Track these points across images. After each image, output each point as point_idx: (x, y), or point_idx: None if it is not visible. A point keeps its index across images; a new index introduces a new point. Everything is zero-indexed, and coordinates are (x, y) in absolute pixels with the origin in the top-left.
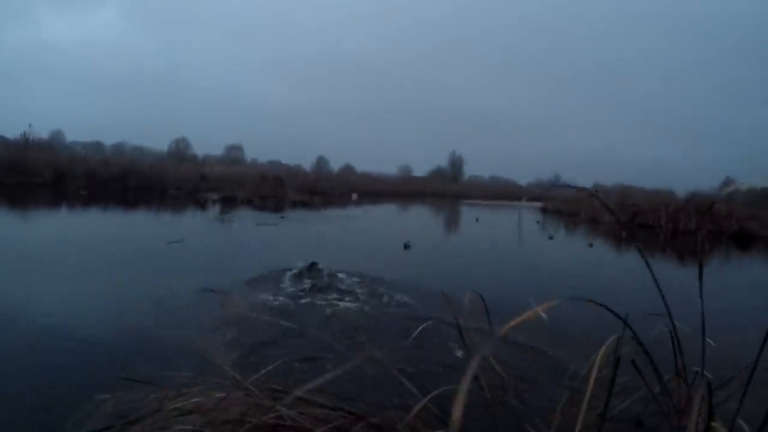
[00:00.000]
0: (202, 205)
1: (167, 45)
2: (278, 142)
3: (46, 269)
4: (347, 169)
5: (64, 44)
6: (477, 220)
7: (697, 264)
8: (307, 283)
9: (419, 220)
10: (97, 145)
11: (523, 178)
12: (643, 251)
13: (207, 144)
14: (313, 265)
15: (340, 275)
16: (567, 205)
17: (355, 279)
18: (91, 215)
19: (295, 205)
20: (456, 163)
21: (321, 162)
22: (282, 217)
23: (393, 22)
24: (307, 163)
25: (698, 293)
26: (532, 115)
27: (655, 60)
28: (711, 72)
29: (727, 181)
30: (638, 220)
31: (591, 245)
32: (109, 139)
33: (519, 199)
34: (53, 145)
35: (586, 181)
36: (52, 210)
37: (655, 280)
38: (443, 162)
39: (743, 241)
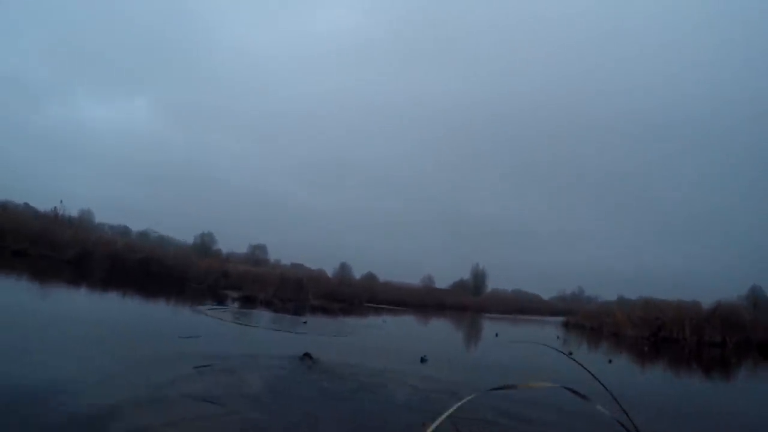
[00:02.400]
0: (222, 302)
1: (195, 140)
2: (302, 245)
3: (45, 344)
4: (370, 277)
5: (99, 128)
6: (497, 335)
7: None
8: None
9: (439, 334)
10: (125, 230)
11: (546, 291)
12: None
13: (232, 241)
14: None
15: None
16: (589, 320)
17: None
18: (109, 298)
19: (315, 310)
20: (479, 276)
21: (344, 268)
22: (304, 323)
23: (415, 135)
24: (330, 269)
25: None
26: (554, 227)
27: (677, 167)
28: (733, 179)
29: (754, 290)
30: (662, 333)
31: (610, 361)
32: (136, 225)
33: (541, 313)
34: (82, 223)
35: (609, 293)
36: (71, 287)
37: None
38: (466, 274)
39: None
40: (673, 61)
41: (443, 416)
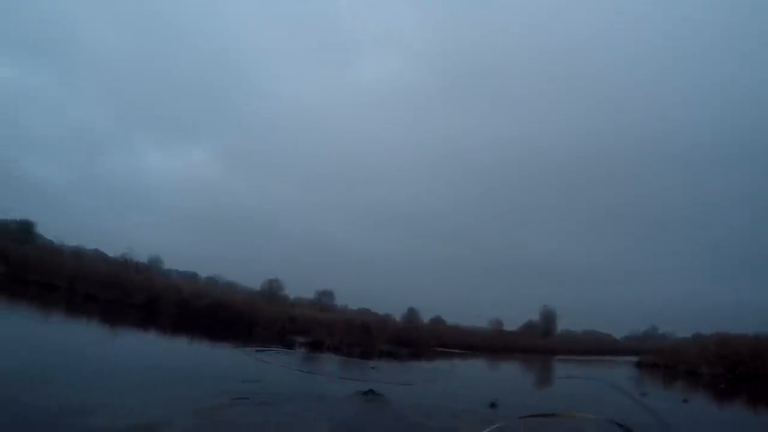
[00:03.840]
0: (289, 347)
1: (255, 187)
2: (369, 291)
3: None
4: (437, 321)
5: (161, 177)
6: (567, 377)
7: None
8: None
9: (508, 378)
10: (193, 276)
11: (618, 330)
12: None
13: (299, 286)
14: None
15: None
16: (664, 358)
17: None
18: (177, 343)
19: (382, 355)
20: (548, 317)
21: (411, 313)
22: (373, 368)
23: (478, 180)
24: (398, 313)
25: None
26: (625, 265)
27: (744, 198)
28: None
29: None
30: (740, 370)
31: (686, 401)
32: (204, 271)
33: (614, 353)
34: (150, 269)
35: (684, 330)
36: (140, 331)
37: None
38: (535, 316)
39: None
40: (728, 96)
41: None
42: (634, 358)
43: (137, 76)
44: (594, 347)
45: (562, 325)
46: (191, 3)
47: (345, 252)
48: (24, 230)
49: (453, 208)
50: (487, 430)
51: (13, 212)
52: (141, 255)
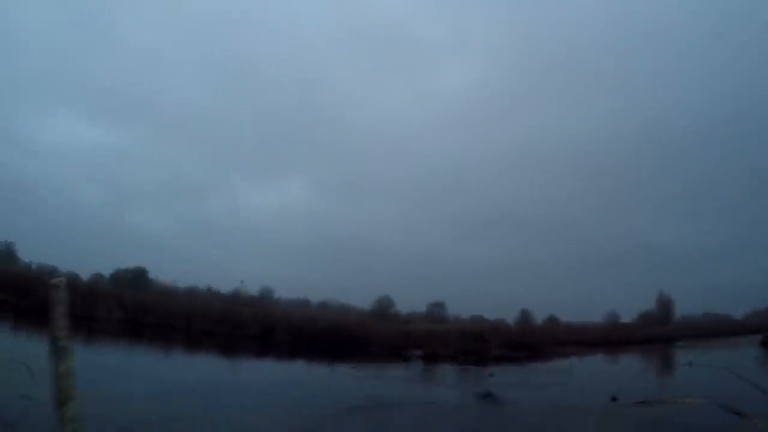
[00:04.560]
0: (406, 361)
1: (352, 211)
2: (480, 298)
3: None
4: (551, 321)
5: (263, 212)
6: (690, 364)
7: None
8: None
9: (628, 370)
10: (304, 302)
11: (737, 309)
12: None
13: (410, 301)
14: None
15: None
16: None
17: None
18: (292, 367)
19: (498, 360)
20: (665, 304)
21: (524, 315)
22: (491, 375)
23: (571, 175)
24: (510, 317)
25: None
26: (736, 240)
27: None
28: None
29: None
30: None
31: None
32: (315, 297)
33: (735, 333)
34: (262, 300)
35: None
36: (256, 360)
37: None
38: (651, 304)
39: None
40: None
41: None
42: (758, 337)
43: (228, 122)
44: (714, 329)
45: (679, 311)
46: (269, 44)
47: (452, 262)
48: (138, 277)
49: (553, 205)
50: (593, 416)
51: (127, 262)
52: (252, 288)
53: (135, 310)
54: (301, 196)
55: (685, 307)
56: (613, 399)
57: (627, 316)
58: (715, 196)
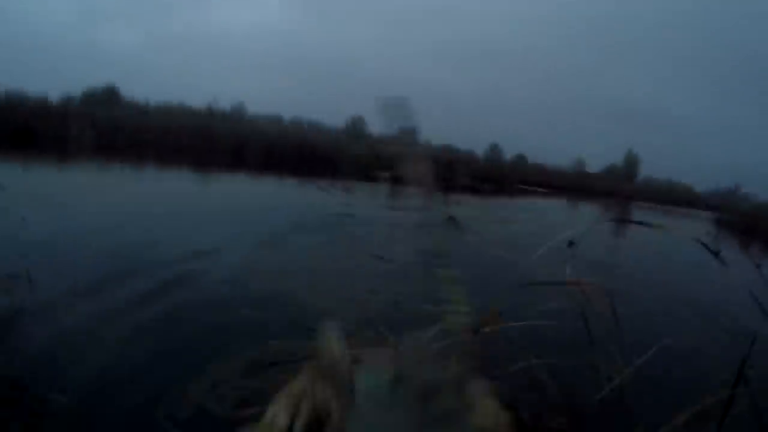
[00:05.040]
0: (374, 181)
1: (331, 30)
2: (453, 127)
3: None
4: (520, 159)
5: (236, 26)
6: (650, 226)
7: None
8: None
9: (587, 220)
10: (277, 118)
11: (700, 184)
12: None
13: (383, 124)
14: None
15: None
16: (744, 220)
17: None
18: (265, 183)
19: (464, 190)
20: (631, 162)
21: (494, 150)
22: (457, 203)
23: (560, 18)
24: (480, 150)
25: None
26: (717, 118)
27: None
28: None
29: None
30: None
31: (759, 266)
32: (288, 113)
33: (694, 206)
34: (235, 116)
35: None
36: (227, 176)
37: None
38: (619, 159)
39: None
40: None
41: None
42: (713, 215)
43: None
44: (674, 198)
45: (644, 172)
46: None
47: (428, 90)
48: (109, 96)
49: (539, 46)
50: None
51: (98, 81)
52: (225, 103)
53: (106, 129)
54: (279, 11)
55: (651, 169)
56: (570, 243)
57: (594, 167)
58: (701, 68)
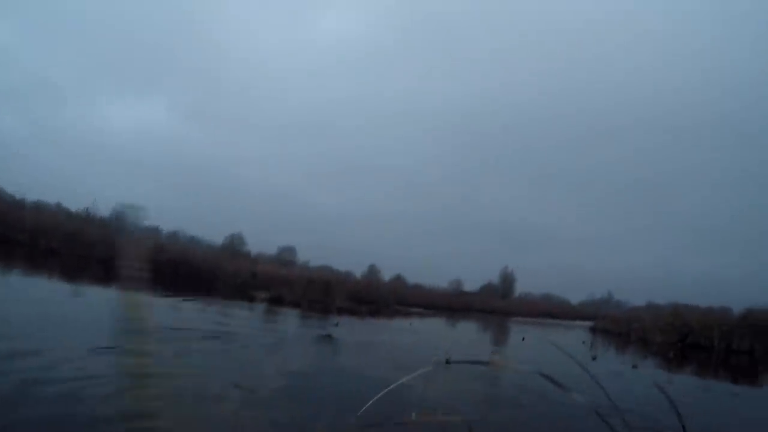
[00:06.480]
0: (251, 302)
1: (217, 143)
2: (331, 248)
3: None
4: (398, 280)
5: (125, 130)
6: (523, 339)
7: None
8: None
9: (466, 337)
10: (155, 230)
11: (575, 296)
12: None
13: (261, 242)
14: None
15: None
16: (617, 325)
17: None
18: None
19: (341, 312)
20: (507, 280)
21: (372, 270)
22: (336, 325)
23: (437, 141)
24: (359, 271)
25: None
26: (583, 232)
27: (706, 170)
28: (763, 180)
29: None
30: (690, 339)
31: (635, 366)
32: (167, 225)
33: (570, 317)
34: (113, 223)
35: (639, 299)
36: (99, 285)
37: None
38: (495, 278)
39: None
40: (695, 64)
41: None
42: (589, 323)
43: (96, 27)
44: (551, 311)
45: (520, 288)
46: None
47: (308, 207)
48: None
49: (416, 165)
50: (415, 374)
51: None
52: (104, 209)
53: None
54: (165, 118)
55: (527, 285)
56: (447, 362)
57: (471, 286)
58: (572, 187)
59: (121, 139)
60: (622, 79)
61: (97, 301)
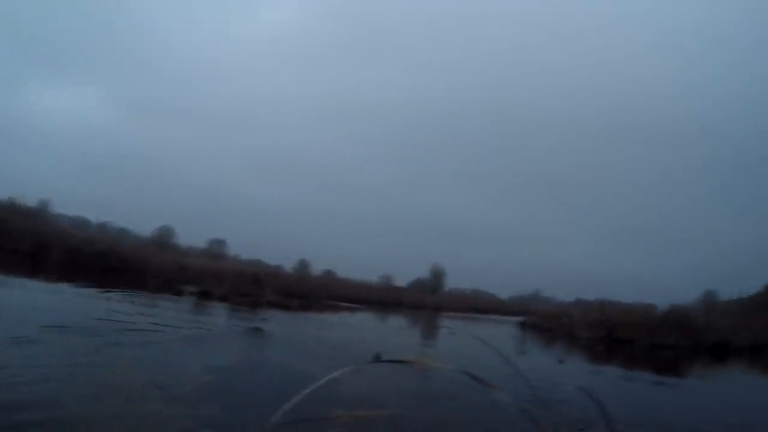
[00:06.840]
0: (179, 295)
1: (149, 132)
2: (261, 242)
3: None
4: (329, 275)
5: (55, 116)
6: (453, 334)
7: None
8: None
9: (395, 331)
10: (84, 221)
11: (504, 291)
12: None
13: (193, 235)
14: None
15: None
16: (546, 321)
17: None
18: (64, 291)
19: (271, 306)
20: (437, 275)
21: (302, 264)
22: (264, 319)
23: (368, 134)
24: (289, 265)
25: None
26: (513, 227)
27: (634, 170)
28: (690, 183)
29: (707, 294)
30: (616, 335)
31: (561, 361)
32: (95, 217)
33: (499, 313)
34: (39, 214)
35: (567, 295)
36: (23, 279)
37: None
38: (425, 273)
39: (720, 353)
40: (630, 62)
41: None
42: (519, 319)
43: (28, 11)
44: (480, 306)
45: (450, 283)
46: None
47: (239, 200)
48: None
49: (349, 161)
50: (340, 371)
51: None
52: (30, 199)
53: None
54: (97, 107)
55: (456, 280)
56: (377, 358)
57: (402, 281)
58: (504, 185)
59: (53, 126)
60: (560, 73)
61: (20, 293)
